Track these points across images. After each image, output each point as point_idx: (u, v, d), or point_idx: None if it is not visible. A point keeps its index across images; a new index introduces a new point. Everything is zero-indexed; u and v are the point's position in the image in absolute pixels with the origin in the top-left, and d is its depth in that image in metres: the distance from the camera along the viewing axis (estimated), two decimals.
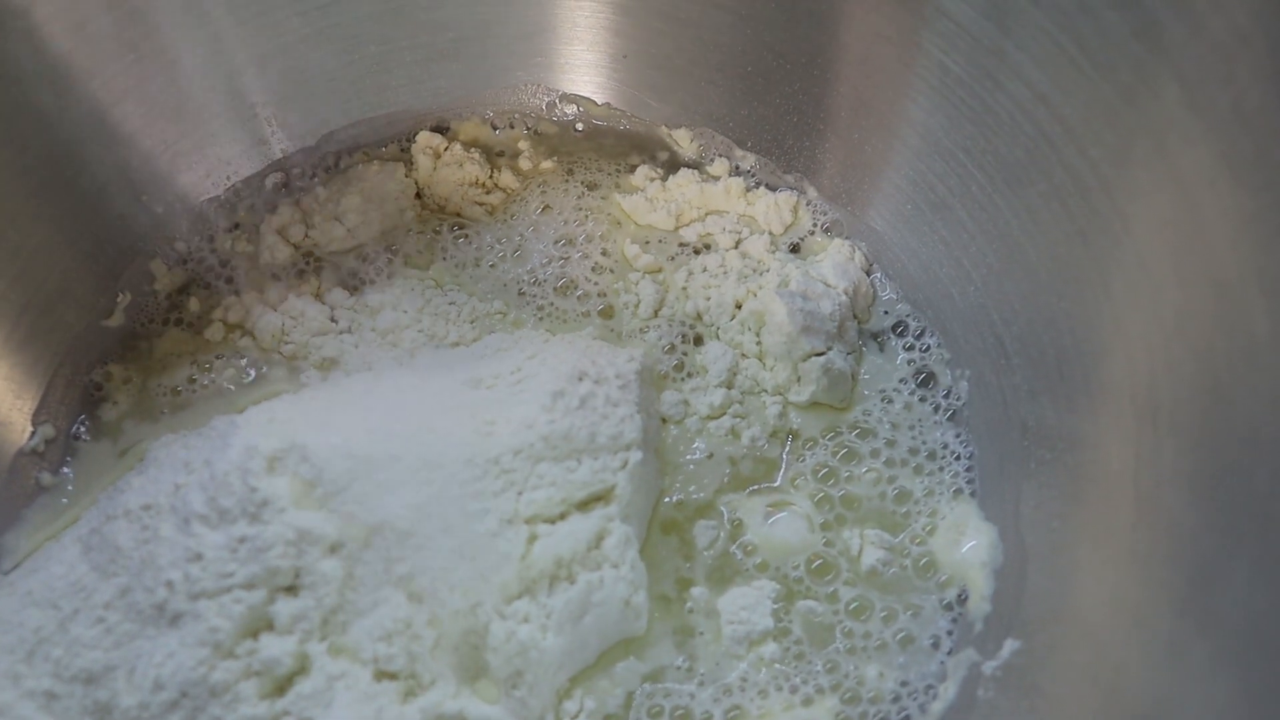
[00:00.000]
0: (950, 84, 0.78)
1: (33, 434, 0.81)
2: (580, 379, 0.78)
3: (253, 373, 0.85)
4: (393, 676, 0.68)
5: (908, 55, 0.80)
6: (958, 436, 0.81)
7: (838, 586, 0.76)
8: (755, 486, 0.80)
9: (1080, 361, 0.73)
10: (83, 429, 0.83)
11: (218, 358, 0.86)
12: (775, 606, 0.75)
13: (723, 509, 0.79)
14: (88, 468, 0.82)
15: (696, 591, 0.76)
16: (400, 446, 0.72)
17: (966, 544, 0.77)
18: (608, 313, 0.87)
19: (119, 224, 0.86)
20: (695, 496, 0.80)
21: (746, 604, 0.75)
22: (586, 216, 0.91)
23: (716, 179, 0.91)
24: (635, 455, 0.77)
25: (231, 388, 0.85)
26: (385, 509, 0.70)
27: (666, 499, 0.80)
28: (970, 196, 0.80)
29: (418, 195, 0.92)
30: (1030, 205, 0.76)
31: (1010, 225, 0.77)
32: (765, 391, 0.83)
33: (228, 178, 0.90)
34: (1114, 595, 0.66)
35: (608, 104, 0.94)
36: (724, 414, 0.82)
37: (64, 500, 0.81)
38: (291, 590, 0.68)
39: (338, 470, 0.70)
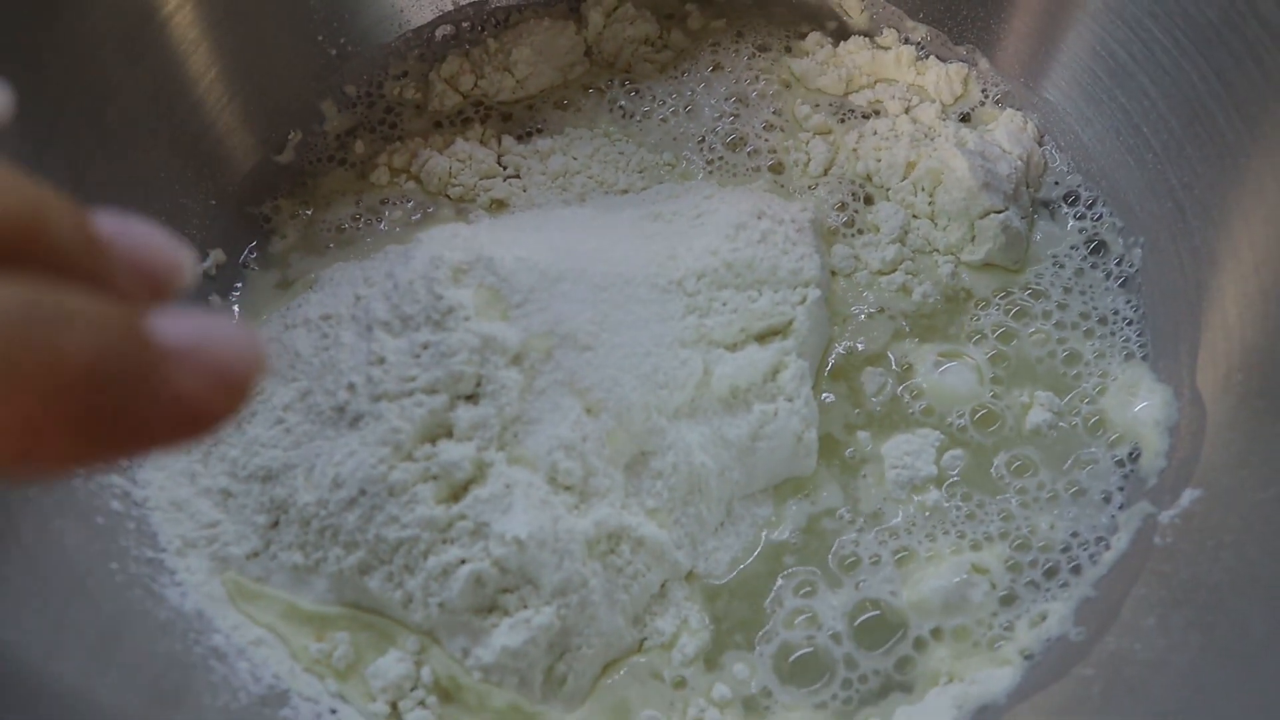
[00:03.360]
0: None
1: (205, 257, 0.83)
2: (759, 217, 0.78)
3: (419, 215, 0.86)
4: (568, 488, 0.68)
5: None
6: (1129, 303, 0.80)
7: (1002, 438, 0.76)
8: (927, 338, 0.79)
9: (1265, 222, 0.72)
10: (251, 257, 0.84)
11: (382, 201, 0.87)
12: (938, 454, 0.75)
13: (891, 356, 0.79)
14: (255, 295, 0.83)
15: (861, 435, 0.76)
16: (584, 263, 0.72)
17: (1139, 404, 0.76)
18: (778, 168, 0.87)
19: (294, 63, 0.87)
20: (864, 348, 0.79)
21: (910, 450, 0.75)
22: (758, 77, 0.91)
23: (887, 48, 0.91)
24: (814, 293, 0.76)
25: (399, 229, 0.86)
26: (568, 323, 0.70)
27: (836, 348, 0.79)
28: (1155, 62, 0.79)
29: (586, 53, 0.92)
30: (1219, 67, 0.74)
31: (1197, 88, 0.76)
32: (937, 251, 0.82)
33: (399, 26, 0.91)
34: None
35: None
36: (895, 270, 0.81)
37: (234, 321, 0.82)
38: (472, 399, 0.69)
39: (523, 282, 0.70)
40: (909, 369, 0.79)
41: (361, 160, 0.88)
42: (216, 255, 0.83)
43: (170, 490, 0.72)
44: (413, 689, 0.67)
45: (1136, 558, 0.70)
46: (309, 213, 0.86)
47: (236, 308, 0.83)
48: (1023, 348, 0.79)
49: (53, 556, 0.63)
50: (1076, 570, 0.71)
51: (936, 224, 0.83)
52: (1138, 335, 0.79)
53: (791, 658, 0.70)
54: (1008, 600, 0.71)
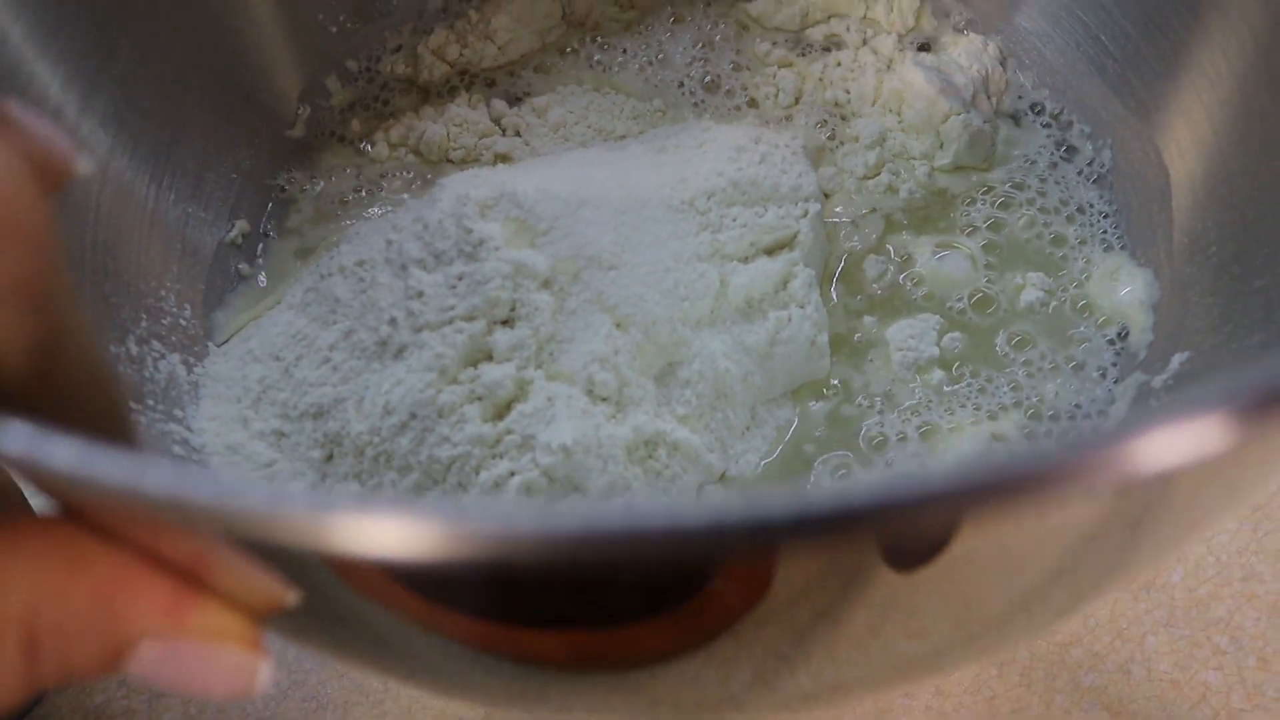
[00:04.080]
0: None
1: (231, 227, 0.86)
2: (757, 142, 0.83)
3: (419, 183, 0.90)
4: (604, 399, 0.73)
5: None
6: (1102, 197, 0.86)
7: (999, 319, 0.81)
8: (922, 231, 0.85)
9: (1221, 106, 0.78)
10: (269, 227, 0.89)
11: (381, 175, 0.91)
12: (939, 336, 0.81)
13: (890, 247, 0.84)
14: (278, 264, 0.87)
15: (867, 320, 0.81)
16: (602, 190, 0.77)
17: (1122, 289, 0.82)
18: (753, 103, 0.92)
19: (300, 38, 0.91)
20: (860, 245, 0.85)
21: (914, 333, 0.80)
22: (716, 23, 0.96)
23: None
24: (814, 206, 0.82)
25: (404, 196, 0.90)
26: (592, 245, 0.75)
27: (835, 252, 0.85)
28: None
29: (563, 17, 0.98)
30: None
31: None
32: (913, 157, 0.88)
33: (394, 1, 0.96)
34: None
35: None
36: (880, 172, 0.87)
37: (261, 285, 0.86)
38: (508, 323, 0.73)
39: (546, 210, 0.75)
40: (908, 259, 0.84)
41: (357, 136, 0.93)
42: (241, 225, 0.87)
43: (225, 436, 0.76)
44: None
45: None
46: (319, 186, 0.90)
47: (263, 275, 0.86)
48: (1013, 233, 0.85)
49: None
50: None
51: (909, 136, 0.89)
52: (1114, 228, 0.85)
53: None
54: None
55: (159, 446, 0.72)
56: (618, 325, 0.74)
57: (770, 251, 0.80)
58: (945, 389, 0.78)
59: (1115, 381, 0.79)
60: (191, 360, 0.79)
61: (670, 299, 0.76)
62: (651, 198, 0.78)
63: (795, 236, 0.81)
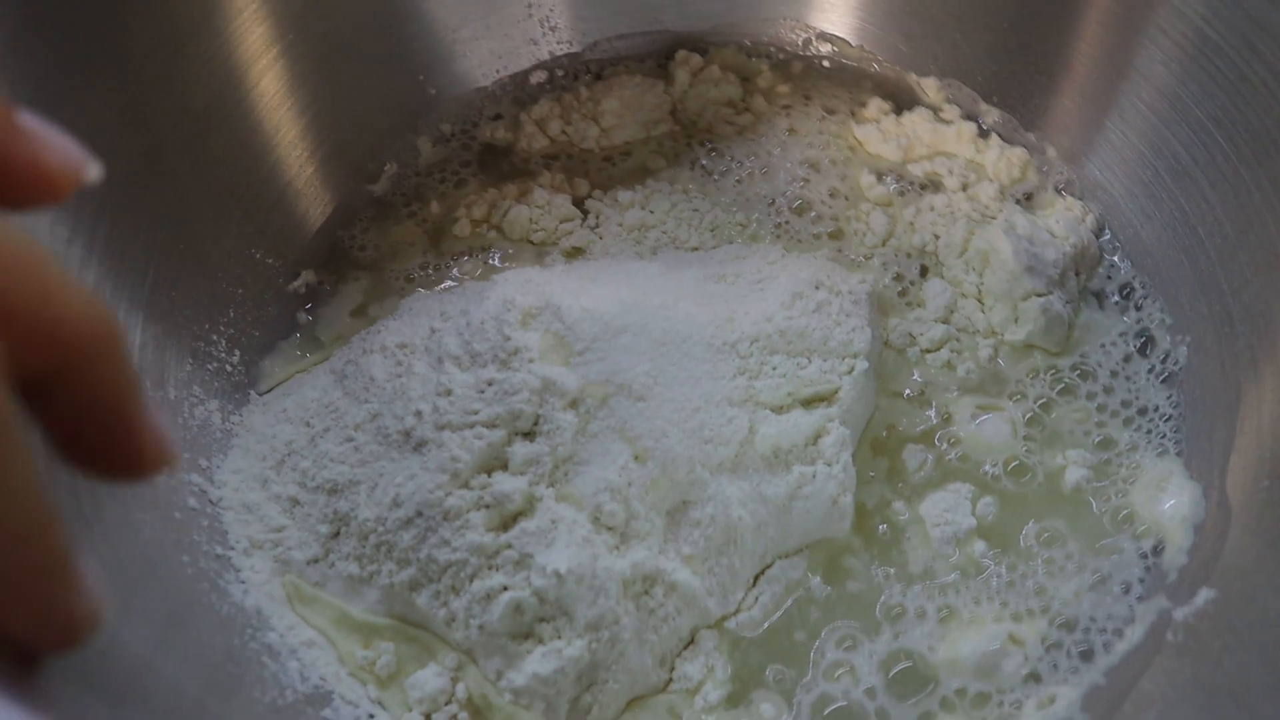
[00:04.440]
0: (1208, 52, 0.80)
1: (297, 275, 0.88)
2: (817, 287, 0.82)
3: (498, 257, 0.91)
4: (610, 528, 0.73)
5: (1166, 20, 0.82)
6: (1169, 398, 0.83)
7: (1035, 491, 0.80)
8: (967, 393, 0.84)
9: None
10: (334, 280, 0.90)
11: (454, 253, 0.91)
12: (973, 504, 0.79)
13: (932, 411, 0.83)
14: (335, 318, 0.88)
15: (897, 505, 0.80)
16: (646, 319, 0.77)
17: (1167, 500, 0.79)
18: (837, 235, 0.91)
19: (396, 97, 0.93)
20: (907, 426, 0.83)
21: (948, 506, 0.79)
22: (828, 141, 0.95)
23: (949, 123, 0.94)
24: (862, 364, 0.80)
25: (466, 278, 0.90)
26: (625, 373, 0.75)
27: (879, 418, 0.83)
28: (1214, 166, 0.81)
29: (672, 112, 0.97)
30: (1274, 176, 0.77)
31: (1253, 196, 0.79)
32: (979, 332, 0.86)
33: (497, 71, 0.97)
34: None
35: (861, 46, 0.98)
36: (941, 348, 0.85)
37: (316, 338, 0.87)
38: (529, 435, 0.73)
39: (587, 331, 0.75)
40: (948, 418, 0.82)
41: (448, 206, 0.93)
42: (307, 275, 0.88)
43: (243, 493, 0.78)
44: (447, 703, 0.72)
45: (1147, 651, 0.73)
46: (392, 246, 0.91)
47: (319, 329, 0.88)
48: (1060, 417, 0.82)
49: (129, 544, 0.67)
50: (1089, 656, 0.74)
51: (983, 305, 0.86)
52: (1174, 431, 0.82)
53: (827, 710, 0.73)
54: (1032, 678, 0.74)
55: (174, 499, 0.74)
56: (636, 457, 0.74)
57: (808, 403, 0.79)
58: (975, 577, 0.76)
59: (1139, 599, 0.76)
60: (229, 408, 0.81)
61: (694, 439, 0.75)
62: (694, 334, 0.77)
63: (836, 392, 0.79)
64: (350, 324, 0.88)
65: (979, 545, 0.78)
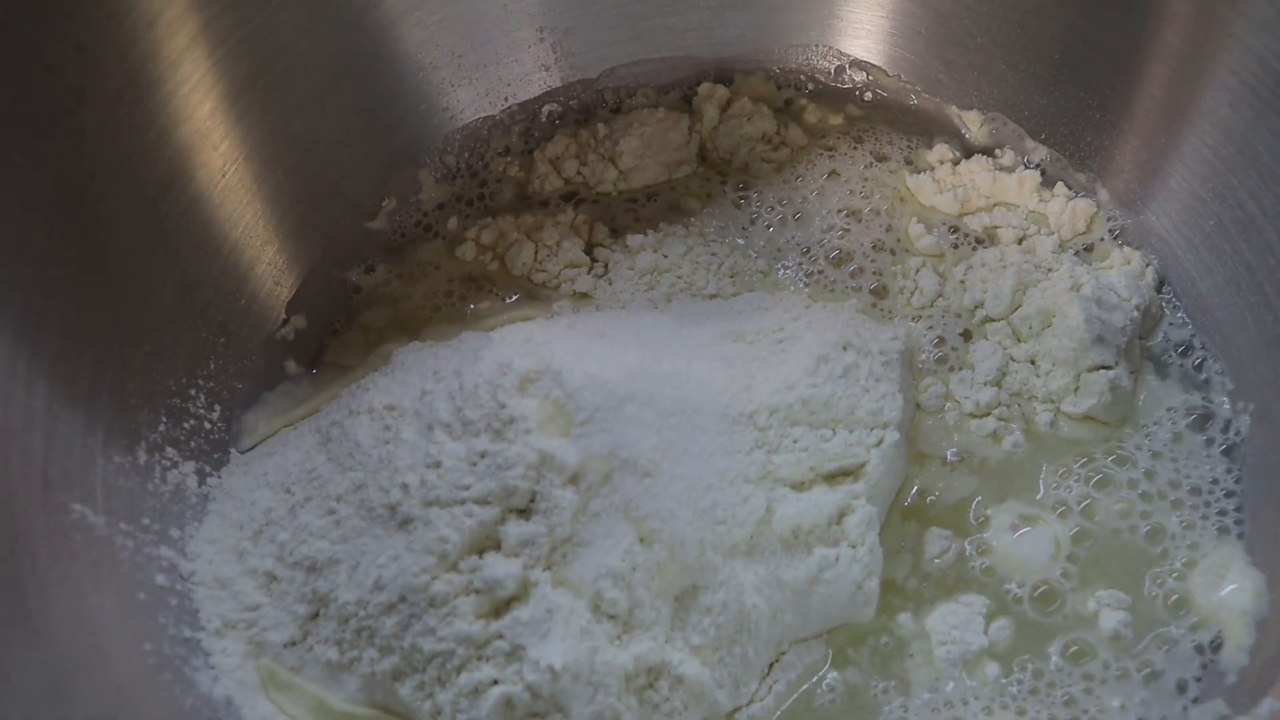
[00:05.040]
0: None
1: (285, 321, 0.82)
2: (845, 348, 0.75)
3: (503, 298, 0.85)
4: (611, 617, 0.66)
5: (1234, 59, 0.74)
6: (1229, 472, 0.76)
7: (1060, 623, 0.72)
8: (1006, 496, 0.76)
9: None
10: (335, 325, 0.84)
11: (469, 279, 0.85)
12: (986, 623, 0.72)
13: (970, 515, 0.75)
14: (330, 364, 0.83)
15: (902, 618, 0.72)
16: (655, 386, 0.70)
17: (1227, 587, 0.72)
18: (880, 292, 0.84)
19: (395, 130, 0.87)
20: (939, 498, 0.76)
21: (957, 623, 0.71)
22: (873, 189, 0.88)
23: (1010, 170, 0.87)
24: (892, 435, 0.73)
25: (481, 306, 0.85)
26: (631, 447, 0.68)
27: (911, 489, 0.76)
28: None
29: (700, 151, 0.90)
30: None
31: None
32: (1036, 398, 0.78)
33: (505, 99, 0.90)
34: None
35: (898, 76, 0.91)
36: (988, 414, 0.78)
37: (305, 390, 0.82)
38: (524, 513, 0.67)
39: (589, 400, 0.69)
40: (984, 521, 0.75)
41: (452, 235, 0.87)
42: (297, 320, 0.82)
43: (218, 566, 0.72)
44: None
45: None
46: (400, 284, 0.86)
47: (308, 379, 0.82)
48: (1106, 519, 0.75)
49: (77, 637, 0.62)
50: None
51: (1038, 368, 0.79)
52: (1235, 509, 0.75)
53: None
54: None
55: (138, 577, 0.68)
56: (641, 539, 0.67)
57: (832, 478, 0.72)
58: (996, 685, 0.70)
59: (1195, 700, 0.69)
60: (207, 470, 0.76)
61: (705, 520, 0.68)
62: (707, 404, 0.71)
63: (863, 466, 0.72)
64: (345, 376, 0.82)
65: (991, 667, 0.70)
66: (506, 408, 0.68)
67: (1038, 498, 0.76)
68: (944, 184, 0.87)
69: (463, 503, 0.67)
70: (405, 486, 0.69)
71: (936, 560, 0.74)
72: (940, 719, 0.69)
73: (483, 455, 0.68)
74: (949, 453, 0.77)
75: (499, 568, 0.66)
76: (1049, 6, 0.82)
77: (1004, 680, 0.69)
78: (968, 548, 0.74)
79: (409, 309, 0.85)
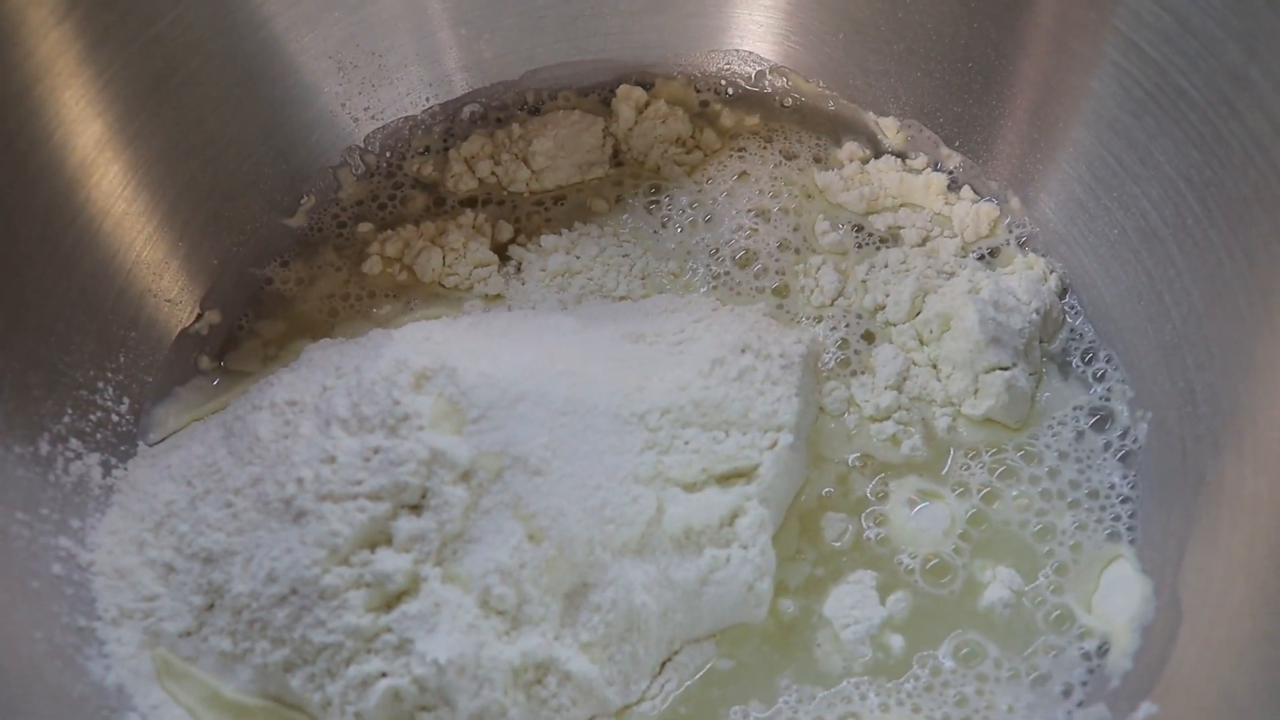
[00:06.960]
0: (1184, 108, 0.73)
1: (199, 317, 0.83)
2: (743, 351, 0.76)
3: (413, 303, 0.85)
4: (499, 613, 0.67)
5: (1142, 72, 0.75)
6: (1125, 478, 0.77)
7: (952, 602, 0.73)
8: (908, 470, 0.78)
9: (1270, 426, 0.68)
10: (245, 321, 0.84)
11: (369, 293, 0.86)
12: (881, 596, 0.73)
13: (869, 494, 0.77)
14: (243, 360, 0.83)
15: (801, 611, 0.73)
16: (549, 385, 0.71)
17: (1116, 595, 0.72)
18: (782, 291, 0.84)
19: (315, 127, 0.87)
20: (839, 498, 0.77)
21: (854, 602, 0.72)
22: (782, 188, 0.88)
23: (918, 172, 0.88)
24: (786, 438, 0.74)
25: (396, 305, 0.85)
26: (522, 445, 0.69)
27: (809, 493, 0.77)
28: (1184, 229, 0.75)
29: (614, 153, 0.91)
30: (1248, 246, 0.70)
31: (1223, 265, 0.72)
32: (935, 402, 0.79)
33: (427, 99, 0.91)
34: (1272, 681, 0.61)
35: (817, 82, 0.91)
36: (888, 418, 0.78)
37: (216, 383, 0.82)
38: (415, 509, 0.68)
39: (482, 398, 0.69)
40: (884, 495, 0.76)
41: (362, 242, 0.87)
42: (211, 316, 0.83)
43: (118, 556, 0.72)
44: None
45: None
46: (314, 282, 0.86)
47: (220, 375, 0.83)
48: (1003, 510, 0.76)
49: None
50: None
51: (939, 372, 0.80)
52: (1129, 515, 0.75)
53: None
54: None
55: (33, 566, 0.69)
56: (530, 536, 0.68)
57: (724, 480, 0.73)
58: (886, 683, 0.70)
59: (1079, 704, 0.70)
60: (113, 462, 0.76)
61: (594, 518, 0.69)
62: (600, 404, 0.71)
63: (756, 469, 0.73)
64: (260, 370, 0.82)
65: (896, 639, 0.72)
66: (401, 404, 0.69)
67: (942, 473, 0.77)
68: (851, 181, 0.87)
69: (355, 498, 0.68)
70: (300, 481, 0.69)
71: (836, 544, 0.75)
72: (836, 713, 0.70)
73: (376, 451, 0.68)
74: (850, 457, 0.78)
75: (389, 562, 0.67)
76: (962, 15, 0.82)
77: (900, 679, 0.70)
78: (864, 522, 0.75)
79: (321, 307, 0.85)
